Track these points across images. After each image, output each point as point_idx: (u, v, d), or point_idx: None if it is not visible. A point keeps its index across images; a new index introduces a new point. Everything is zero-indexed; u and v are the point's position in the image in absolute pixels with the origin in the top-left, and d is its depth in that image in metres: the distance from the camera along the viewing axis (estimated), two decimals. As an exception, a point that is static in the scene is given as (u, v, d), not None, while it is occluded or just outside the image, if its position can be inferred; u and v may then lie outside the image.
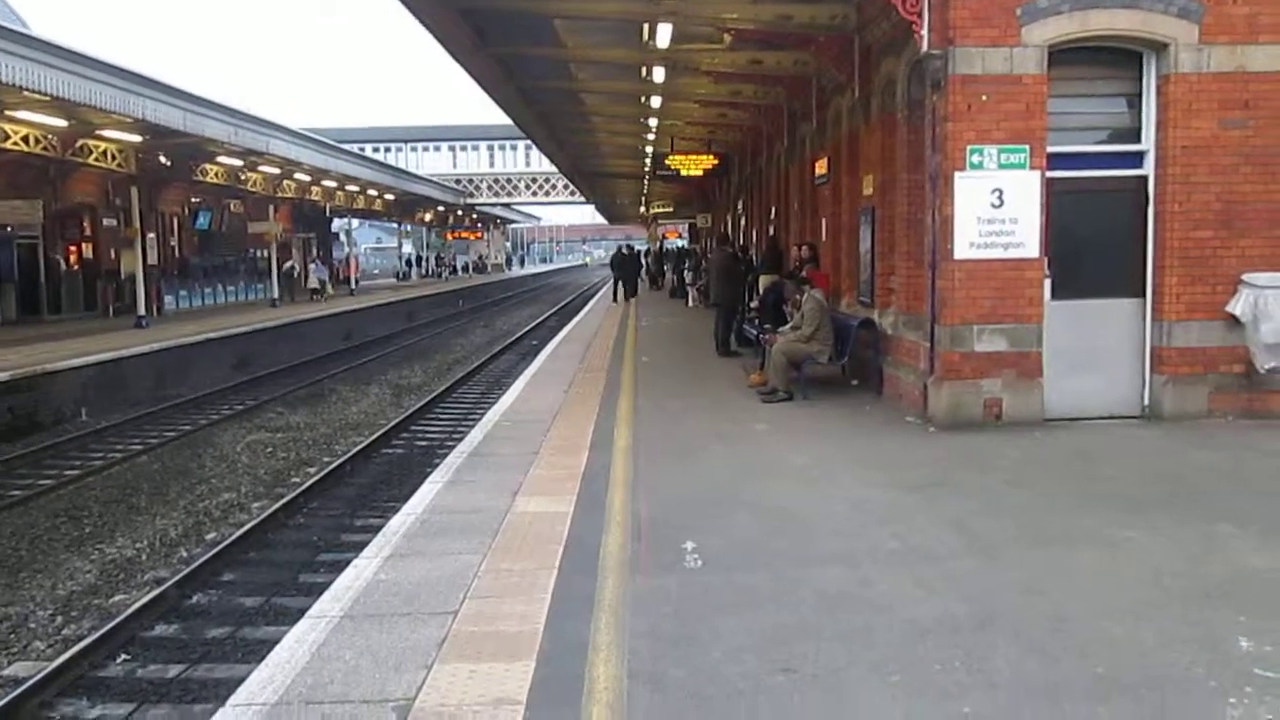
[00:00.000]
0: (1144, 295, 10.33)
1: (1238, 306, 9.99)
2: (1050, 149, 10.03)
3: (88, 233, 33.99)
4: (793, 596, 5.43)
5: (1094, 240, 10.34)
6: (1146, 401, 10.33)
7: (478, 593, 5.53)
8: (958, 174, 9.90)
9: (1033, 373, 10.07)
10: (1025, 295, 10.05)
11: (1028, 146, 9.90)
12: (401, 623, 5.10)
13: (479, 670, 4.50)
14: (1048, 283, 10.20)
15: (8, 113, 22.64)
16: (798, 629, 4.97)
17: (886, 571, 5.82)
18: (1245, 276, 10.01)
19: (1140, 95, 10.31)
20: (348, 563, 6.46)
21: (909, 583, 5.61)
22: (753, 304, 18.22)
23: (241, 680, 4.66)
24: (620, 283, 34.82)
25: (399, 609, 5.31)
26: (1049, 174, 10.02)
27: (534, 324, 39.30)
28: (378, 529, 7.34)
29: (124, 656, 7.79)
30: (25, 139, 24.93)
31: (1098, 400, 10.31)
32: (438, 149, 71.84)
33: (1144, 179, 10.28)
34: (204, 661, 7.70)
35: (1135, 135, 10.36)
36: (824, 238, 16.89)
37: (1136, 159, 10.32)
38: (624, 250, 36.47)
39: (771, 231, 23.12)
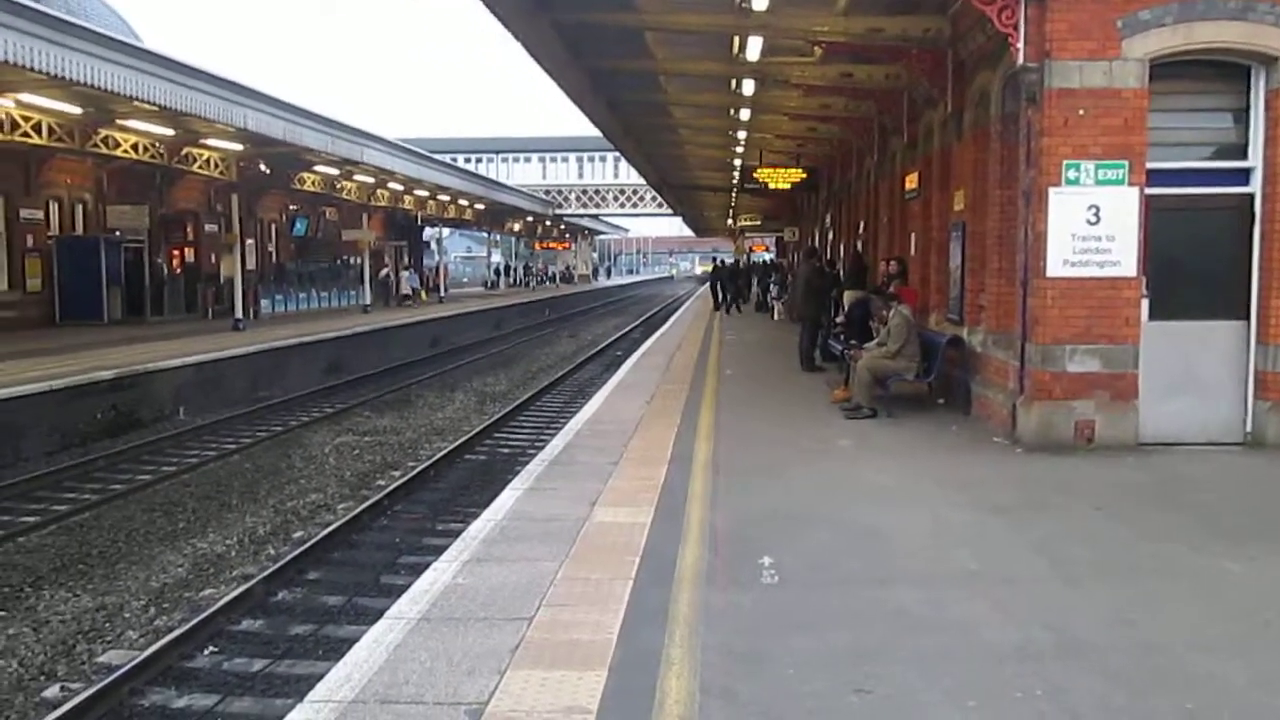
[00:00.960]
0: (1248, 318, 9.95)
1: (1348, 331, 9.55)
2: (1150, 165, 9.74)
3: (190, 238, 35.23)
4: (869, 616, 5.35)
5: (1195, 260, 9.99)
6: (1249, 428, 9.93)
7: (553, 600, 5.56)
8: (1052, 189, 9.68)
9: (1128, 395, 9.77)
10: (1121, 315, 9.77)
11: (1126, 162, 9.63)
12: (477, 627, 5.15)
13: (551, 678, 4.52)
14: (1145, 302, 9.89)
15: (119, 121, 23.58)
16: (873, 650, 4.89)
17: (966, 594, 5.69)
18: (1357, 300, 9.57)
19: (1247, 110, 9.95)
20: (428, 566, 6.56)
21: (989, 607, 5.47)
22: (838, 319, 18.05)
23: (321, 677, 4.75)
24: (724, 292, 36.64)
25: (475, 613, 5.36)
26: (1148, 191, 9.73)
27: (619, 335, 39.48)
28: (458, 533, 7.43)
29: (211, 649, 8.00)
30: (134, 147, 25.94)
31: (1196, 425, 9.95)
32: (528, 160, 72.73)
33: (1250, 197, 9.91)
34: (286, 657, 7.87)
35: (1241, 152, 9.99)
36: (913, 253, 16.66)
37: (1242, 176, 9.96)
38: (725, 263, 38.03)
39: (859, 246, 22.88)
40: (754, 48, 15.43)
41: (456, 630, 5.11)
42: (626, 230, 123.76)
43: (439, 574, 6.06)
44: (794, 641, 4.97)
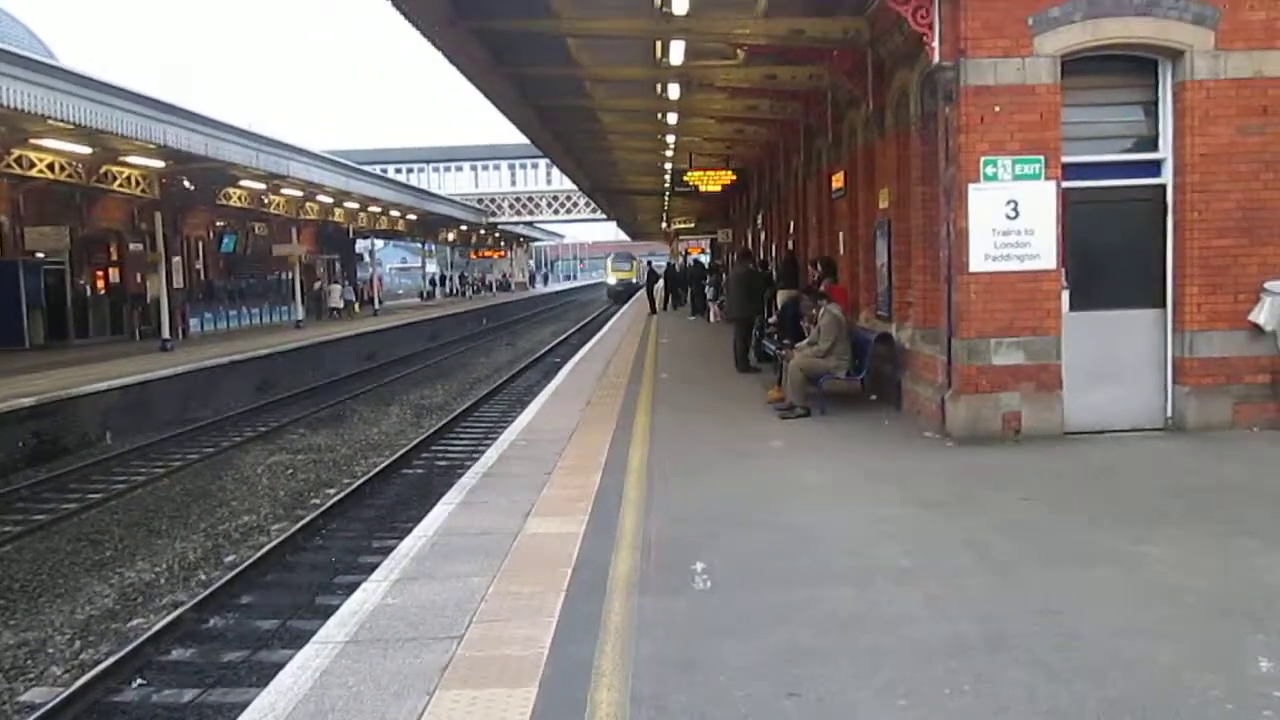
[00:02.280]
0: (1164, 305, 10.19)
1: (1261, 315, 9.83)
2: (1066, 159, 9.93)
3: (114, 258, 34.39)
4: (802, 617, 5.35)
5: (1112, 250, 10.20)
6: (1169, 414, 10.17)
7: (484, 616, 5.49)
8: (972, 186, 9.82)
9: (1052, 385, 9.95)
10: (1043, 307, 9.94)
11: (1042, 157, 9.81)
12: (406, 648, 5.07)
13: (481, 696, 4.45)
14: (1065, 294, 10.09)
15: (33, 141, 22.97)
16: (806, 651, 4.90)
17: (898, 591, 5.73)
18: (1268, 284, 9.84)
19: (1157, 103, 10.19)
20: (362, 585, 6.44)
21: (920, 602, 5.52)
22: (771, 319, 18.16)
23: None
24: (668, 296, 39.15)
25: (404, 634, 5.28)
26: (1065, 184, 9.92)
27: (556, 341, 39.37)
28: (393, 550, 7.32)
29: (139, 681, 7.80)
30: (51, 166, 25.30)
31: (1119, 413, 10.17)
32: (459, 169, 72.30)
33: (1162, 188, 10.15)
34: (219, 685, 7.70)
35: (1152, 144, 10.24)
36: (842, 252, 16.82)
37: (1154, 168, 10.20)
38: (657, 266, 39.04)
39: (790, 246, 23.06)
40: (677, 52, 15.47)
41: (385, 652, 5.02)
42: (562, 236, 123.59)
43: (368, 594, 5.95)
44: (726, 647, 4.96)
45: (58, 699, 7.21)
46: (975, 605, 5.45)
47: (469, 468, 11.11)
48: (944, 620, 5.25)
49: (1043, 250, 9.87)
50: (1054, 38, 9.77)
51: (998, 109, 9.77)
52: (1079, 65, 9.95)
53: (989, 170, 9.80)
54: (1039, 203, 9.84)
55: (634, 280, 68.85)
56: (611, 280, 76.37)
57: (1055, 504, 7.59)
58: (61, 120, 19.11)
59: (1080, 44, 9.83)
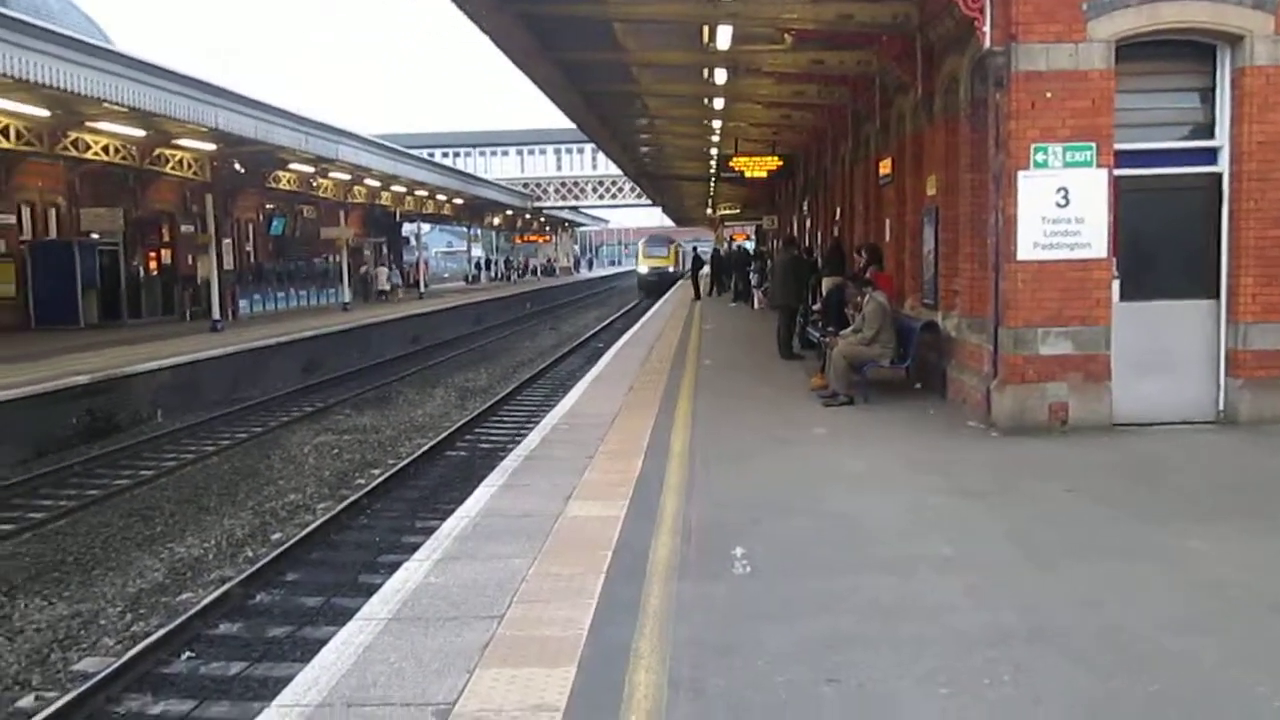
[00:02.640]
0: (1218, 296, 9.99)
1: (1318, 307, 9.61)
2: (1118, 146, 9.76)
3: (166, 239, 34.99)
4: (843, 605, 5.35)
5: (1165, 240, 10.02)
6: (1221, 406, 9.99)
7: (524, 597, 5.54)
8: (1021, 173, 9.69)
9: (1100, 376, 9.81)
10: (1092, 296, 9.79)
11: (1094, 144, 9.64)
12: (447, 626, 5.13)
13: (520, 675, 4.50)
14: (1116, 284, 9.93)
15: (89, 124, 23.36)
16: (847, 638, 4.89)
17: (940, 580, 5.70)
18: (1326, 276, 9.63)
19: (1214, 89, 9.98)
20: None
21: (962, 592, 5.49)
22: (815, 306, 18.06)
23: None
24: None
25: (446, 613, 5.34)
26: (1117, 172, 9.75)
27: (601, 326, 39.46)
28: (436, 530, 7.39)
29: (188, 654, 7.97)
30: (106, 149, 25.70)
31: (1169, 405, 9.99)
32: (505, 153, 72.54)
33: (1218, 176, 9.95)
34: (265, 660, 7.85)
35: (1209, 131, 10.03)
36: (888, 239, 16.67)
37: (1210, 155, 9.99)
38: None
39: (836, 232, 22.90)
40: (724, 37, 15.38)
41: (426, 630, 5.09)
42: (607, 221, 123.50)
43: (410, 573, 6.03)
44: (766, 632, 4.97)
45: (109, 669, 7.39)
46: (1017, 596, 5.42)
47: (511, 451, 11.22)
48: (985, 610, 5.22)
49: (1093, 239, 9.72)
50: (1109, 22, 9.59)
51: (1049, 95, 9.62)
52: (1133, 50, 9.75)
53: (1039, 157, 9.66)
54: (1090, 190, 9.68)
55: (670, 269, 60.39)
56: (643, 269, 63.08)
57: (1101, 496, 7.49)
58: (117, 103, 19.40)
59: (1136, 29, 9.64)
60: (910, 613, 5.22)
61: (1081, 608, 5.22)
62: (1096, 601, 5.29)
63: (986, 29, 9.77)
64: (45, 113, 21.31)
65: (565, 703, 4.23)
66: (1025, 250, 9.75)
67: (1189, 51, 10.01)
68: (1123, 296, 9.93)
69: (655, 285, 55.63)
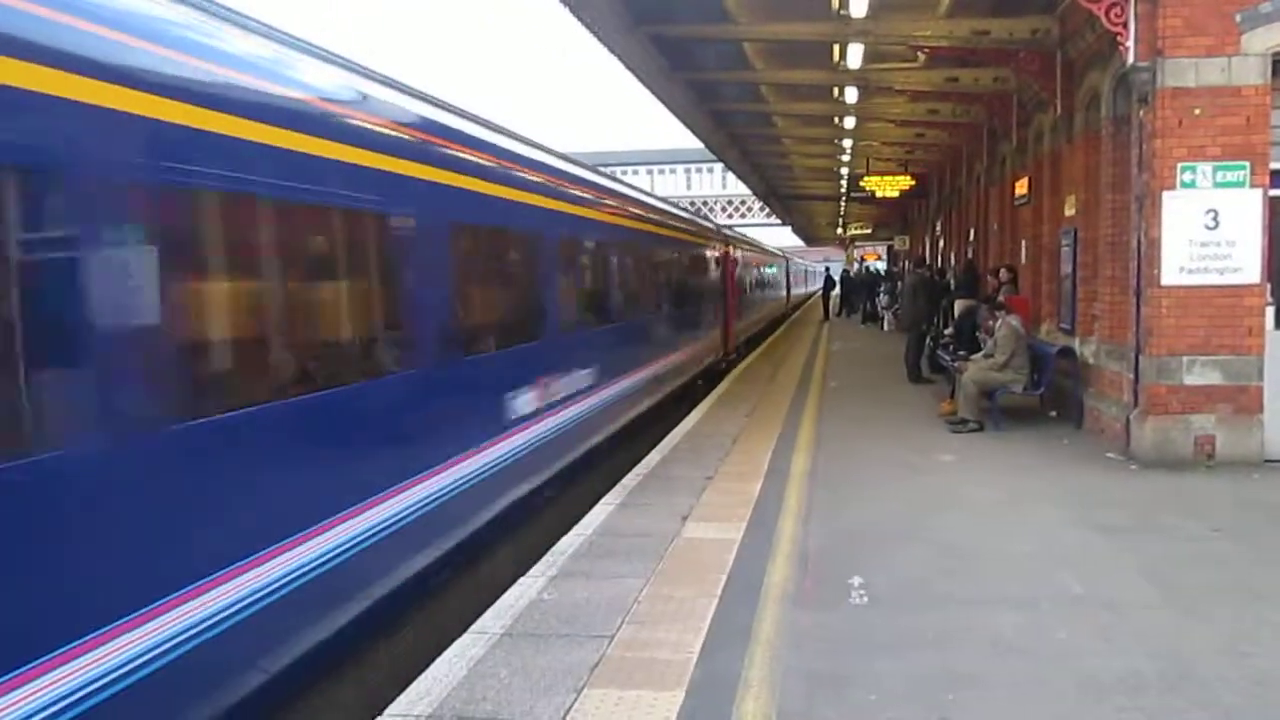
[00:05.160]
0: (1383, 326, 9.34)
1: None
2: (1275, 165, 9.23)
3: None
4: (961, 641, 5.15)
5: (1325, 265, 9.42)
6: (1386, 444, 9.30)
7: (636, 618, 5.52)
8: (1166, 193, 9.25)
9: (1251, 409, 9.26)
10: (1243, 324, 9.27)
11: (1248, 163, 9.14)
12: (558, 643, 5.15)
13: (627, 697, 4.47)
14: (1270, 310, 9.37)
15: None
16: (963, 676, 4.70)
17: (1067, 619, 5.43)
18: None
19: (1382, 106, 9.35)
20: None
21: (1091, 633, 5.22)
22: (947, 330, 17.60)
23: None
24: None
25: (558, 629, 5.36)
26: (1273, 193, 9.22)
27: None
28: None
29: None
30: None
31: (1329, 441, 9.36)
32: (635, 172, 73.25)
33: (1384, 197, 9.30)
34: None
35: (1375, 150, 9.39)
36: (1024, 261, 16.14)
37: (1376, 176, 9.35)
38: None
39: (969, 254, 22.31)
40: (855, 55, 15.22)
41: (538, 646, 5.12)
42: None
43: (525, 588, 6.08)
44: (879, 665, 4.82)
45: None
46: (1152, 640, 5.12)
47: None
48: (1117, 654, 4.94)
49: (1245, 263, 9.21)
50: (1265, 35, 9.09)
51: (1197, 112, 9.16)
52: (1292, 64, 9.23)
53: (1186, 177, 9.20)
54: (1243, 212, 9.18)
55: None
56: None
57: (1249, 537, 7.04)
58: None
59: (1295, 42, 9.12)
60: (1033, 653, 4.99)
61: (1225, 656, 4.90)
62: (1242, 650, 4.96)
63: (1130, 44, 9.39)
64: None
65: (671, 728, 4.18)
66: (1170, 274, 9.30)
67: (1355, 65, 9.40)
68: (1277, 324, 9.36)
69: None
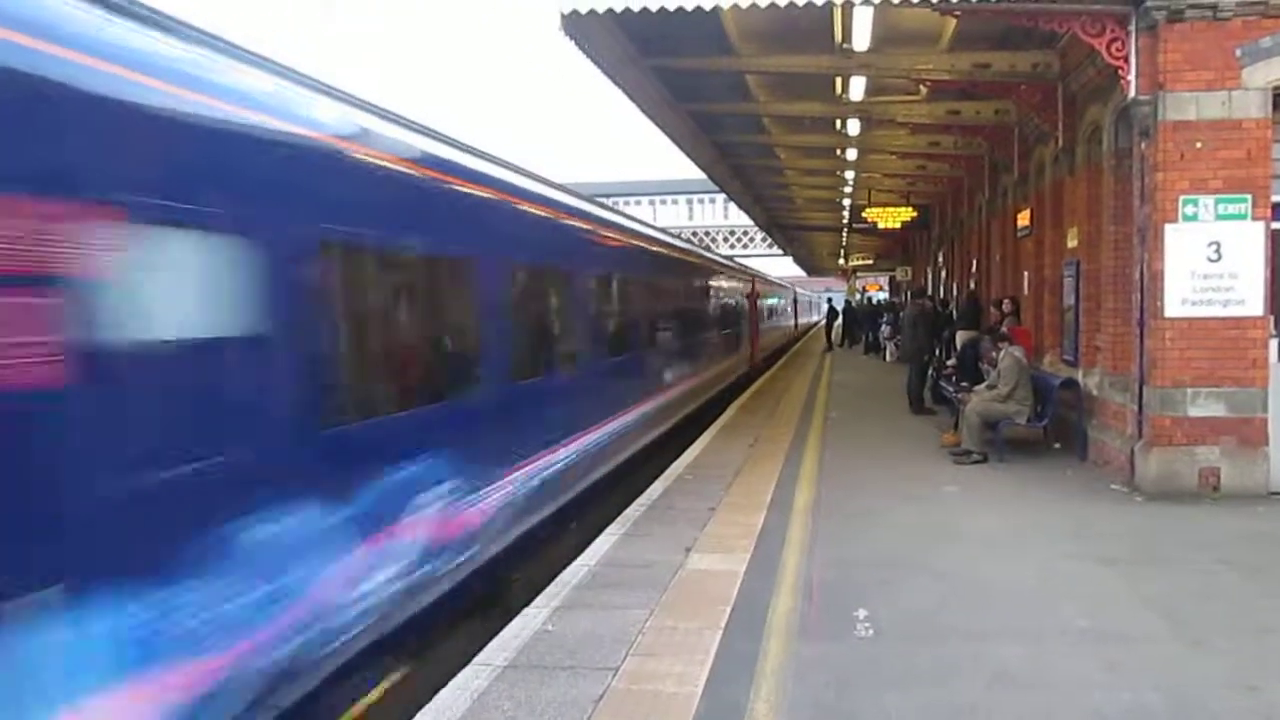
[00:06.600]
0: (1389, 358, 9.34)
1: None
2: (1277, 198, 9.28)
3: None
4: (967, 673, 5.12)
5: (1329, 297, 9.44)
6: (1392, 476, 9.28)
7: (640, 650, 5.49)
8: (1169, 226, 9.29)
9: (1256, 441, 9.25)
10: (1247, 356, 9.28)
11: (1249, 196, 9.19)
12: (562, 676, 5.12)
13: (632, 731, 4.45)
14: (1274, 343, 9.39)
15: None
16: (969, 709, 4.68)
17: (1073, 652, 5.41)
18: None
19: (1382, 139, 9.40)
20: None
21: (1098, 666, 5.19)
22: (949, 361, 17.61)
23: None
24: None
25: (562, 662, 5.34)
26: (1275, 225, 9.26)
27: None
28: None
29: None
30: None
31: (1334, 473, 9.34)
32: (637, 203, 73.54)
33: (1387, 230, 9.34)
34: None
35: (1377, 182, 9.44)
36: (1026, 292, 16.17)
37: (1378, 208, 9.39)
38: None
39: (972, 285, 22.35)
40: (857, 88, 15.32)
41: (542, 679, 5.09)
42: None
43: (528, 620, 6.06)
44: (886, 699, 4.80)
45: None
46: (1159, 673, 5.09)
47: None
48: (1124, 687, 4.92)
49: (1248, 295, 9.23)
50: (1265, 69, 9.15)
51: (1199, 145, 9.22)
52: (1293, 98, 9.29)
53: (1188, 210, 9.24)
54: (1245, 244, 9.22)
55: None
56: None
57: (1256, 569, 7.02)
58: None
59: (1295, 75, 9.18)
60: (1040, 687, 4.96)
61: (1235, 691, 4.87)
62: (1252, 685, 4.93)
63: (1131, 78, 9.46)
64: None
65: (676, 762, 4.15)
66: (1173, 306, 9.32)
67: (1355, 99, 9.47)
68: (1281, 357, 9.38)
69: None
